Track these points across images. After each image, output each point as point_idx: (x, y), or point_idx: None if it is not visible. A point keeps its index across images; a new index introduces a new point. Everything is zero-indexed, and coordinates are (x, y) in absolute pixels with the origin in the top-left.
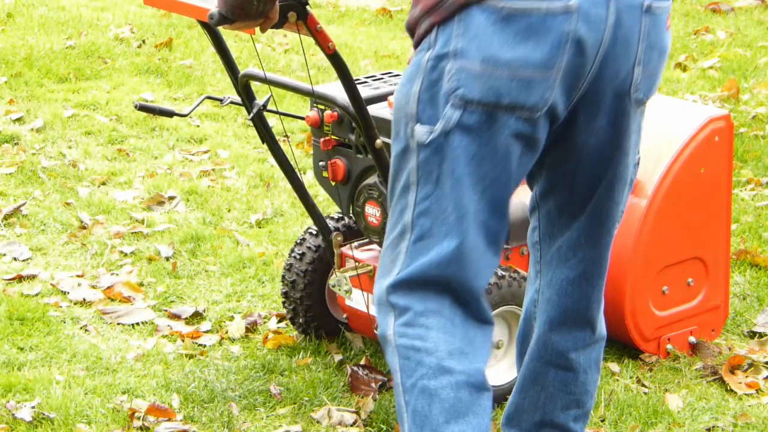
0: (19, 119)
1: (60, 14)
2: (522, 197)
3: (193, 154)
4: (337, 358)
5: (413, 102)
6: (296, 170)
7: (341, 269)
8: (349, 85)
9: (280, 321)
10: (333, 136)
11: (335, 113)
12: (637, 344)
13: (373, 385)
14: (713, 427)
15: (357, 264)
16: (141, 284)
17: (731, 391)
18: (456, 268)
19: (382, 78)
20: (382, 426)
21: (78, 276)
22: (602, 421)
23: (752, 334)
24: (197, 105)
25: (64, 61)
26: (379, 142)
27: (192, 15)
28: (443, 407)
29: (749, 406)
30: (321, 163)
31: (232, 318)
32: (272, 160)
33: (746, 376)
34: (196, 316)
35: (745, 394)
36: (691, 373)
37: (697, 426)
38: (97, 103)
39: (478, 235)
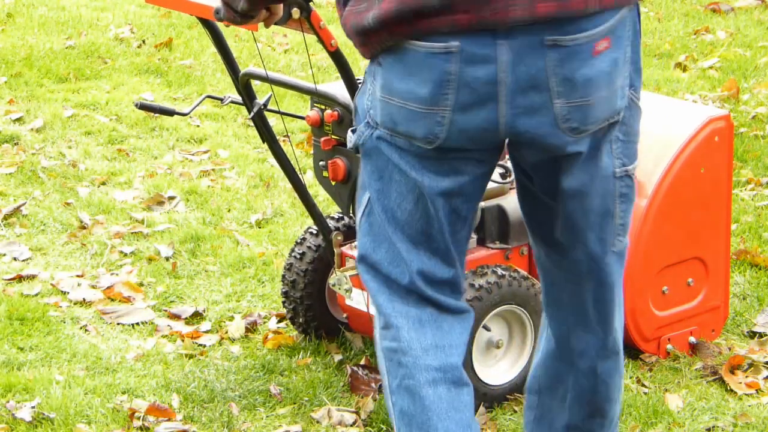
0: (19, 119)
1: (60, 14)
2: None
3: (193, 154)
4: (337, 358)
5: (356, 108)
6: (296, 170)
7: (341, 268)
8: (351, 83)
9: (280, 321)
10: (333, 136)
11: (335, 113)
12: (637, 344)
13: (373, 385)
14: (713, 427)
15: None
16: (141, 284)
17: (731, 391)
18: (403, 268)
19: None
20: (382, 426)
21: (78, 276)
22: None
23: (752, 334)
24: (198, 104)
25: (64, 61)
26: None
27: (195, 12)
28: (424, 405)
29: (749, 406)
30: (321, 163)
31: (232, 318)
32: (272, 160)
33: (746, 376)
34: (196, 316)
35: (745, 394)
36: (691, 373)
37: (697, 426)
38: (97, 103)
39: (401, 240)
